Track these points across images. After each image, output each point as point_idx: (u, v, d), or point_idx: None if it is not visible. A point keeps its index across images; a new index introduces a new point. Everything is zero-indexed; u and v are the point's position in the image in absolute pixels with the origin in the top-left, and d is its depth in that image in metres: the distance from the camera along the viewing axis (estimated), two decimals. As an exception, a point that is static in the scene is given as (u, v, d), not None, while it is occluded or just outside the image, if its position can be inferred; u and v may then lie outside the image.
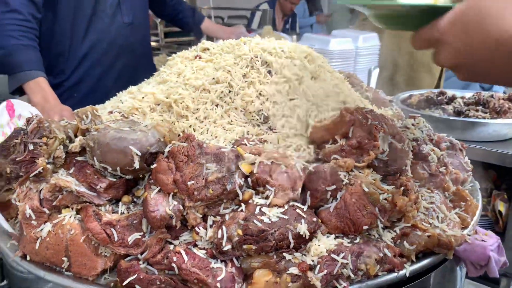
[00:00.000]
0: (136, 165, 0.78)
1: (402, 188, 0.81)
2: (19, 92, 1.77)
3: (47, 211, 0.80)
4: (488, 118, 2.00)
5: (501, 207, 1.97)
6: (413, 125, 1.05)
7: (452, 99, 2.30)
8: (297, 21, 6.23)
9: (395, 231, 0.81)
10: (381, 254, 0.75)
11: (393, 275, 0.76)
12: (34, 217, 0.79)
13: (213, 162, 0.78)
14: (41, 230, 0.79)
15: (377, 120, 0.89)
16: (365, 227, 0.77)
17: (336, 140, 0.88)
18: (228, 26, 2.87)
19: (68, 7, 1.92)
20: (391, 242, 0.79)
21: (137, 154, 0.78)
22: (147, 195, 0.76)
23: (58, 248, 0.78)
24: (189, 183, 0.75)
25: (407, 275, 0.77)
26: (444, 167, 1.01)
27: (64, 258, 0.77)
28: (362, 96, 1.47)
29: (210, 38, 2.79)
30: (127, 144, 0.78)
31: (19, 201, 0.81)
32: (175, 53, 1.17)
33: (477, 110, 2.14)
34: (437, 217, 0.85)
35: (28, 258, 0.80)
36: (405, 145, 0.90)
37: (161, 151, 0.80)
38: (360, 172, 0.84)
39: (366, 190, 0.78)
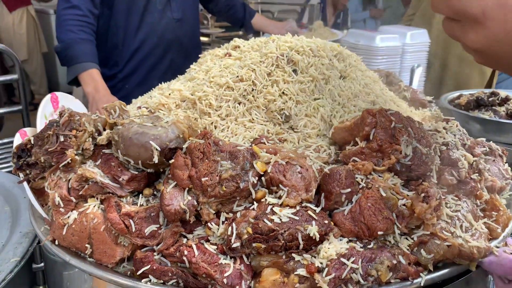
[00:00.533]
0: (155, 159, 0.81)
1: (423, 194, 0.77)
2: (75, 83, 1.91)
3: (74, 200, 0.85)
4: (544, 122, 1.86)
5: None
6: (444, 128, 1.00)
7: (505, 101, 2.16)
8: (349, 15, 6.09)
9: (412, 239, 0.78)
10: (394, 261, 0.73)
11: (407, 283, 0.73)
12: (62, 205, 0.85)
13: (228, 160, 0.79)
14: (68, 217, 0.84)
15: (402, 123, 0.86)
16: (380, 233, 0.75)
17: (357, 142, 0.86)
18: (279, 21, 2.87)
19: (122, 4, 2.05)
20: (408, 249, 0.77)
21: (156, 149, 0.81)
22: (164, 189, 0.79)
23: (82, 235, 0.83)
24: (203, 179, 0.77)
25: (422, 284, 0.74)
26: (478, 174, 0.95)
27: (87, 245, 0.82)
28: (400, 96, 1.42)
29: (258, 34, 2.81)
30: (148, 139, 0.81)
31: (50, 189, 0.87)
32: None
33: (532, 113, 1.99)
34: (461, 226, 0.80)
35: (56, 242, 0.86)
36: (431, 150, 0.87)
37: (179, 147, 0.83)
38: (379, 176, 0.81)
39: (384, 194, 0.76)
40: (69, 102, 1.31)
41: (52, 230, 0.87)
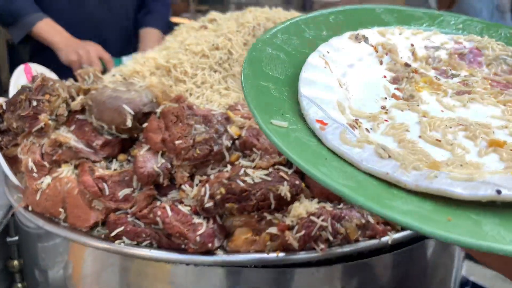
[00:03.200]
0: (129, 123, 0.81)
1: None
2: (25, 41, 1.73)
3: (48, 165, 0.84)
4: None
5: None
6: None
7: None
8: None
9: (380, 200, 0.80)
10: (363, 220, 0.75)
11: (375, 242, 0.76)
12: (35, 170, 0.84)
13: (202, 124, 0.79)
14: (42, 182, 0.84)
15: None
16: (349, 194, 0.77)
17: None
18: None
19: None
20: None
21: (130, 113, 0.81)
22: (137, 152, 0.79)
23: (56, 199, 0.83)
24: (176, 142, 0.78)
25: (390, 242, 0.77)
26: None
27: (61, 210, 0.82)
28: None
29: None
30: (122, 103, 0.81)
31: (23, 155, 0.86)
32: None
33: None
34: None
35: (30, 208, 0.86)
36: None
37: (153, 111, 0.83)
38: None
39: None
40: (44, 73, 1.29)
41: (25, 196, 0.87)
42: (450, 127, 0.44)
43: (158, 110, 0.83)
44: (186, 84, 0.94)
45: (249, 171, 0.76)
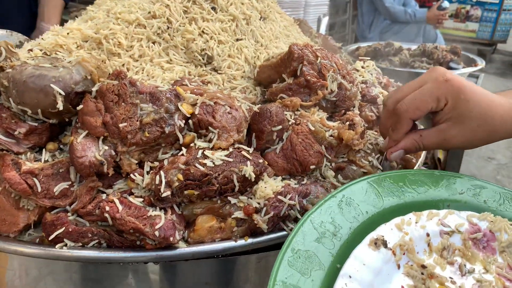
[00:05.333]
0: (60, 106, 0.68)
1: (348, 122, 0.78)
2: None
3: (-44, 162, 0.69)
4: (432, 69, 2.04)
5: (440, 154, 2.05)
6: (362, 67, 1.02)
7: (398, 51, 2.32)
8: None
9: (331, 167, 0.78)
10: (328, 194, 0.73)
11: (341, 216, 0.74)
12: None
13: (149, 102, 0.70)
14: (-51, 183, 0.68)
15: (327, 59, 0.84)
16: (312, 167, 0.74)
17: (284, 79, 0.83)
18: None
19: None
20: (336, 181, 0.77)
21: (60, 94, 0.68)
22: (73, 140, 0.68)
23: (-29, 202, 0.68)
24: (120, 125, 0.67)
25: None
26: (392, 110, 0.99)
27: (-21, 214, 0.68)
28: (312, 42, 1.42)
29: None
30: (48, 82, 0.68)
31: None
32: None
33: (422, 62, 2.17)
34: (378, 158, 0.83)
35: None
36: (354, 86, 0.87)
37: (88, 91, 0.71)
38: (306, 111, 0.79)
39: (312, 128, 0.75)
40: None
41: None
42: None
43: (94, 89, 0.71)
44: (122, 58, 0.82)
45: (208, 152, 0.69)
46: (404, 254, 0.57)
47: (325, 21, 1.91)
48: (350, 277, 0.52)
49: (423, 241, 0.59)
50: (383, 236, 0.57)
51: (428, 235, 0.60)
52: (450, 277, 0.56)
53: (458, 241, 0.60)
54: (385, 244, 0.57)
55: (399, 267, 0.56)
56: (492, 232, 0.62)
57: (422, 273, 0.55)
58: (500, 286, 0.55)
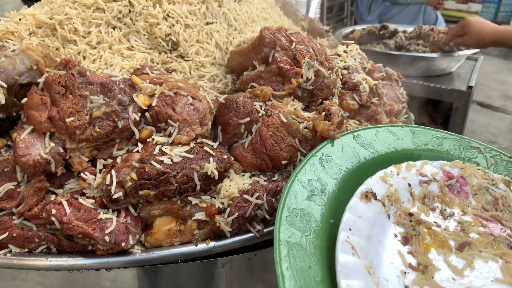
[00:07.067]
0: (2, 99, 0.62)
1: (325, 113, 0.71)
2: None
3: None
4: (428, 53, 1.96)
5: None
6: (345, 52, 0.95)
7: (394, 34, 2.23)
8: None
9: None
10: (301, 193, 0.67)
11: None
12: None
13: (100, 94, 0.63)
14: None
15: (303, 44, 0.77)
16: (284, 162, 0.68)
17: (255, 66, 0.76)
18: None
19: None
20: (314, 179, 0.71)
21: (2, 86, 0.62)
22: (16, 137, 0.61)
23: None
24: (67, 120, 0.61)
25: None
26: (377, 98, 0.93)
27: None
28: (297, 25, 1.35)
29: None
30: (-12, 74, 0.62)
31: None
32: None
33: (417, 45, 2.08)
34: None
35: None
36: (334, 73, 0.80)
37: (34, 82, 0.65)
38: (279, 102, 0.73)
39: (285, 120, 0.68)
40: None
41: None
42: None
43: (41, 80, 0.65)
44: (78, 45, 0.75)
45: (166, 148, 0.63)
46: (392, 204, 0.60)
47: (315, 2, 1.82)
48: (350, 229, 0.54)
49: (406, 191, 0.63)
50: (371, 189, 0.60)
51: (409, 185, 0.64)
52: (435, 222, 0.60)
53: (435, 189, 0.65)
54: (375, 196, 0.59)
55: (389, 217, 0.59)
56: (463, 177, 0.67)
57: (411, 221, 0.59)
58: (479, 225, 0.60)
